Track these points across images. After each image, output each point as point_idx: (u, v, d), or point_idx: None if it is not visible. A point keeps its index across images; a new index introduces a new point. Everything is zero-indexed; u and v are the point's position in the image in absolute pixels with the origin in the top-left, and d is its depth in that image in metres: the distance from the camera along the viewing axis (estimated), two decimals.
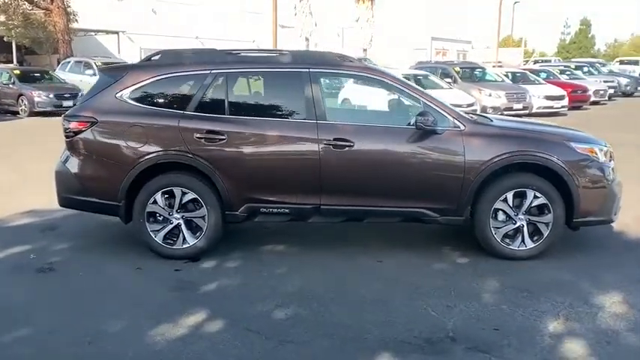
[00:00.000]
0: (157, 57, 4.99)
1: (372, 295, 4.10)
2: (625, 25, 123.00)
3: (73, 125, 4.75)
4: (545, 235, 4.72)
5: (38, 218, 6.11)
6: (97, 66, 19.85)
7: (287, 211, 4.74)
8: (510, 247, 4.75)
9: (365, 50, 49.09)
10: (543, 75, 21.13)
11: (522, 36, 65.92)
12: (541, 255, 4.77)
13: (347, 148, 4.61)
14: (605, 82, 23.72)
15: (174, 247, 4.78)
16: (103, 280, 4.42)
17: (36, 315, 3.79)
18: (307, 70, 4.75)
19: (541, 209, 4.71)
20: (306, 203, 4.71)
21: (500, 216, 4.74)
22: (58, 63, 22.99)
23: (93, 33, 32.25)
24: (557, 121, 13.12)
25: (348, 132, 4.65)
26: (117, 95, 4.76)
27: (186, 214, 4.75)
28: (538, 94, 17.49)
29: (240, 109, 4.87)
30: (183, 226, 4.76)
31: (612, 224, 5.28)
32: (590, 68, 26.49)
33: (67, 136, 4.80)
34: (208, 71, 4.79)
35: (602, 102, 22.21)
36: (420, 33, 41.30)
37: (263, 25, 49.65)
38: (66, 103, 17.37)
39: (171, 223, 4.76)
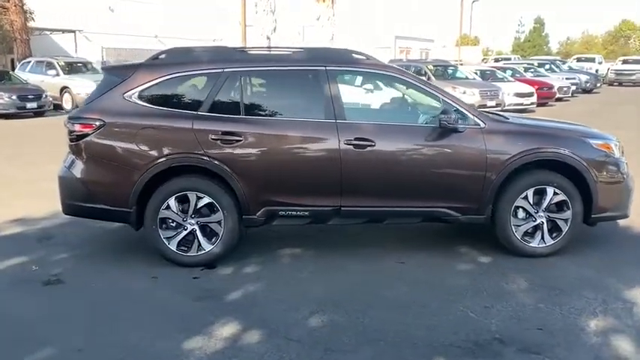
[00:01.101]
0: (163, 55, 4.76)
1: (404, 298, 4.00)
2: (577, 24, 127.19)
3: (79, 128, 4.47)
4: (565, 232, 4.73)
5: (30, 227, 5.78)
6: (59, 65, 19.22)
7: (307, 213, 4.59)
8: (530, 244, 4.74)
9: None
10: (509, 73, 21.52)
11: (476, 35, 67.48)
12: (559, 252, 4.77)
13: (368, 148, 4.49)
14: (567, 79, 24.35)
15: (188, 254, 4.57)
16: (117, 291, 4.18)
17: (56, 332, 3.54)
18: (324, 67, 4.62)
19: (560, 206, 4.71)
20: (327, 205, 4.58)
21: (520, 214, 4.72)
22: (13, 63, 22.06)
23: (48, 32, 31.13)
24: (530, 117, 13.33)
25: (369, 131, 4.54)
26: (125, 96, 4.51)
27: (202, 220, 4.54)
28: (508, 92, 17.80)
29: (257, 109, 4.69)
30: (198, 232, 4.55)
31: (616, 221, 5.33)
32: (552, 65, 27.20)
33: (71, 140, 4.52)
34: (221, 70, 4.59)
35: (565, 98, 22.77)
36: (384, 32, 41.57)
37: (225, 23, 49.16)
38: (29, 105, 16.73)
39: (186, 229, 4.55)
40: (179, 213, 4.52)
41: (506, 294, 4.07)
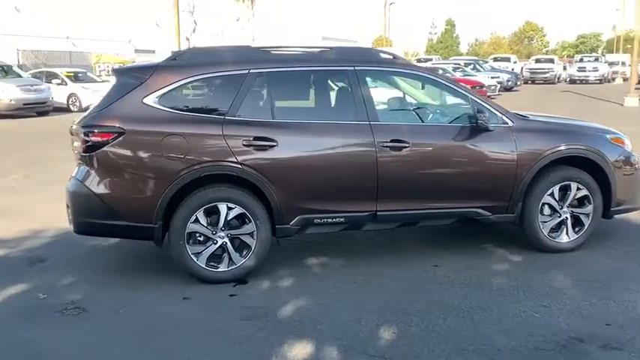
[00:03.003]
0: (184, 56, 4.39)
1: (460, 303, 3.90)
2: (485, 25, 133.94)
3: (96, 137, 4.01)
4: (587, 226, 4.84)
5: (13, 249, 5.17)
6: None
7: (342, 220, 4.40)
8: (556, 240, 4.81)
9: None
10: (441, 72, 22.20)
11: (390, 36, 69.38)
12: (581, 246, 4.87)
13: (403, 150, 4.37)
14: (492, 77, 25.50)
15: (219, 269, 4.24)
16: (152, 316, 3.78)
17: None
18: (352, 67, 4.44)
19: (581, 201, 4.82)
20: (363, 210, 4.41)
21: (546, 210, 4.78)
22: None
23: None
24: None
25: (404, 132, 4.42)
26: (144, 100, 4.11)
27: (233, 232, 4.23)
28: None
29: (287, 111, 4.44)
30: (229, 245, 4.23)
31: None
32: (476, 65, 28.39)
33: (85, 150, 4.04)
34: (247, 71, 4.29)
35: (492, 97, 23.82)
36: (311, 32, 41.68)
37: (139, 24, 47.32)
38: None
39: (215, 243, 4.21)
40: (208, 226, 4.18)
41: (556, 291, 4.08)
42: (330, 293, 4.11)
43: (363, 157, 4.33)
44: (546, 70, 35.53)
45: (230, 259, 4.24)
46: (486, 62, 33.59)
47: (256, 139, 4.16)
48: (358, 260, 4.75)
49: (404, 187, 4.45)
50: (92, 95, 19.27)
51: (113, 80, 4.33)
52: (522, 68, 36.93)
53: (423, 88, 5.09)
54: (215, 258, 4.25)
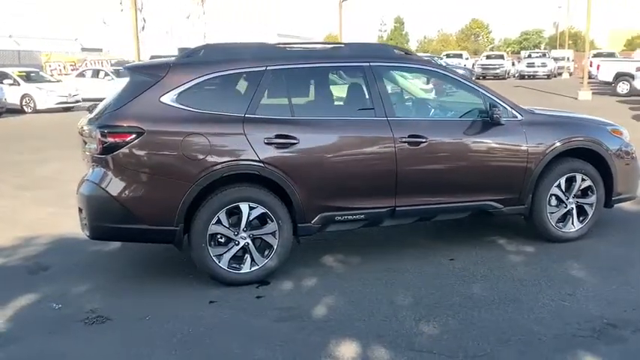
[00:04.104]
0: (200, 52, 4.25)
1: (489, 295, 3.94)
2: (433, 23, 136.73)
3: (114, 138, 3.83)
4: (590, 216, 5.00)
5: (9, 257, 4.91)
6: None
7: (362, 216, 4.38)
8: (562, 230, 4.95)
9: None
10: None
11: (342, 33, 69.84)
12: (584, 235, 5.03)
13: (421, 145, 4.39)
14: None
15: (241, 271, 4.14)
16: (183, 322, 3.63)
17: None
18: (368, 63, 4.43)
19: (585, 191, 4.97)
20: (382, 206, 4.40)
21: (553, 201, 4.91)
22: None
23: None
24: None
25: (421, 127, 4.44)
26: (161, 99, 3.96)
27: (255, 232, 4.14)
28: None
29: (305, 108, 4.38)
30: (251, 246, 4.14)
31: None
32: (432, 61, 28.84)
33: (102, 152, 3.86)
34: (264, 67, 4.21)
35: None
36: (266, 29, 41.39)
37: (85, 22, 45.87)
38: None
39: (237, 244, 4.11)
40: (230, 227, 4.08)
41: (575, 280, 4.19)
42: (357, 291, 4.09)
43: (383, 153, 4.32)
44: (497, 66, 36.53)
45: (252, 260, 4.16)
46: (441, 59, 34.23)
47: (278, 136, 4.09)
48: (374, 257, 4.74)
49: (421, 181, 4.47)
50: (47, 96, 18.55)
51: (128, 77, 4.14)
52: (474, 64, 37.83)
53: (428, 82, 5.11)
54: (236, 259, 4.15)
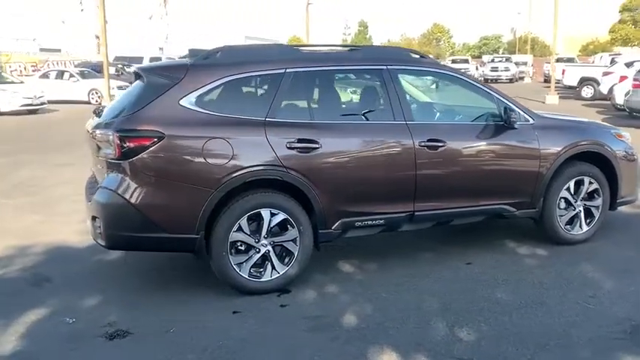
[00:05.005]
0: (217, 54, 4.11)
1: (514, 299, 3.93)
2: (396, 27, 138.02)
3: (134, 143, 3.65)
4: (597, 218, 5.08)
5: (6, 269, 4.64)
6: None
7: (382, 222, 4.32)
8: (571, 232, 5.00)
9: (161, 49, 47.07)
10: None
11: (308, 36, 69.97)
12: (592, 238, 5.10)
13: (440, 149, 4.37)
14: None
15: (262, 279, 4.02)
16: (210, 334, 3.49)
17: None
18: (385, 66, 4.38)
19: (592, 194, 5.04)
20: (401, 211, 4.35)
21: (562, 204, 4.96)
22: None
23: None
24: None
25: (439, 131, 4.42)
26: (181, 102, 3.81)
27: (275, 239, 4.03)
28: None
29: (325, 112, 4.28)
30: (272, 253, 4.03)
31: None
32: None
33: (120, 157, 3.68)
34: (283, 70, 4.10)
35: None
36: (234, 31, 40.98)
37: (44, 22, 44.48)
38: None
39: (258, 252, 3.99)
40: (251, 234, 3.96)
41: (594, 282, 4.24)
42: (382, 297, 4.03)
43: (403, 157, 4.28)
44: (462, 70, 37.14)
45: (273, 267, 4.04)
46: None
47: (300, 140, 3.99)
48: (391, 263, 4.68)
49: (439, 186, 4.45)
50: (11, 97, 17.85)
51: (145, 79, 3.96)
52: None
53: (437, 86, 5.10)
54: (256, 267, 4.03)
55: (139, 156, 3.67)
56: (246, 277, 3.98)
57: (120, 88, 21.94)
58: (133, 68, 4.36)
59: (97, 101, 21.64)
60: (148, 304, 3.96)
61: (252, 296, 3.99)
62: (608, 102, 18.09)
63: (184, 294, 4.10)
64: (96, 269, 4.67)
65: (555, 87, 22.50)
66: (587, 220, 5.06)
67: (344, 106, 4.47)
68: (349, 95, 4.52)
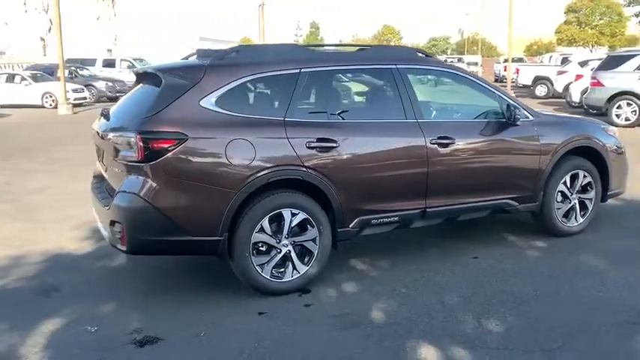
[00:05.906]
0: (232, 54, 4.06)
1: (528, 291, 4.05)
2: (347, 28, 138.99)
3: (157, 144, 3.57)
4: (590, 210, 5.30)
5: (6, 279, 4.44)
6: None
7: (396, 219, 4.38)
8: (567, 224, 5.20)
9: (110, 50, 45.85)
10: None
11: (260, 37, 69.71)
12: (586, 230, 5.31)
13: (450, 147, 4.46)
14: None
15: (283, 279, 4.01)
16: (243, 337, 3.45)
17: None
18: (395, 65, 4.44)
19: (585, 187, 5.26)
20: (414, 208, 4.42)
21: (559, 197, 5.15)
22: None
23: None
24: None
25: (449, 129, 4.51)
26: (201, 103, 3.75)
27: (296, 239, 4.02)
28: None
29: (342, 111, 4.28)
30: (292, 253, 4.02)
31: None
32: None
33: (144, 159, 3.58)
34: (298, 70, 4.09)
35: None
36: (188, 33, 40.34)
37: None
38: None
39: (279, 252, 3.98)
40: (272, 235, 3.94)
41: (601, 271, 4.41)
42: (402, 293, 4.08)
43: (416, 155, 4.35)
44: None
45: (294, 267, 4.03)
46: None
47: (319, 140, 3.99)
48: (402, 259, 4.73)
49: (449, 182, 4.54)
50: None
51: (161, 80, 3.86)
52: None
53: (435, 85, 5.20)
54: (277, 268, 4.01)
55: (162, 158, 3.59)
56: (268, 277, 3.95)
57: (75, 91, 21.30)
58: (144, 69, 4.25)
59: (51, 105, 20.90)
60: (167, 308, 3.87)
61: (274, 297, 3.97)
62: (563, 100, 18.85)
63: (199, 297, 4.05)
64: (102, 276, 4.53)
65: (510, 86, 23.24)
66: (582, 213, 5.28)
67: (357, 105, 4.50)
68: (361, 94, 4.55)
